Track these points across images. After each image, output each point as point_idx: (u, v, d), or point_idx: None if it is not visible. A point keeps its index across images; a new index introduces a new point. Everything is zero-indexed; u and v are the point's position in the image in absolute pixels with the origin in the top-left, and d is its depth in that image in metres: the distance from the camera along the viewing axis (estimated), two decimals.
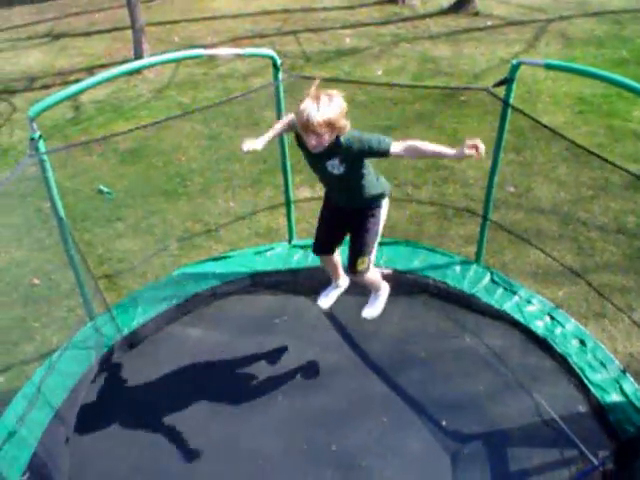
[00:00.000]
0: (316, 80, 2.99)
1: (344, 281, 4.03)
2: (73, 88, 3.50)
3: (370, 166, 3.30)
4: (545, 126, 4.14)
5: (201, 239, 5.55)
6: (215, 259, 5.09)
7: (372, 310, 3.83)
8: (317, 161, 3.21)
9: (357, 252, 3.47)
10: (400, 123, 7.41)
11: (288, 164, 4.74)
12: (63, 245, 4.05)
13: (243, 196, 6.32)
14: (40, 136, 3.50)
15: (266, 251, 5.13)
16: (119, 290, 5.01)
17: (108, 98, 8.65)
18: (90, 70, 9.53)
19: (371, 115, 7.56)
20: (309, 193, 6.11)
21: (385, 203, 3.49)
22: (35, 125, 3.44)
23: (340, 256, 3.90)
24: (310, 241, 5.11)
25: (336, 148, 3.06)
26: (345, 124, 3.00)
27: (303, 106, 2.88)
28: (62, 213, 3.87)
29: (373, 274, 3.71)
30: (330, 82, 3.53)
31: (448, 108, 7.68)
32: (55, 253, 5.11)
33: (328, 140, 2.99)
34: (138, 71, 8.95)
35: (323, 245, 3.81)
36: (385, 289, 3.86)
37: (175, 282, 4.83)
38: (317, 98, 2.87)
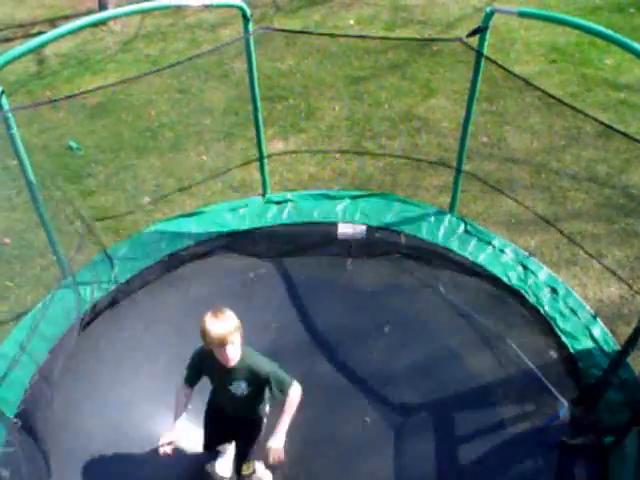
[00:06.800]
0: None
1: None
2: (36, 41, 3.38)
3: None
4: (518, 76, 4.13)
5: (174, 194, 5.48)
6: (189, 215, 5.04)
7: None
8: (224, 380, 3.20)
9: (243, 458, 3.49)
10: (373, 73, 7.31)
11: (260, 117, 4.67)
12: (33, 204, 3.98)
13: (216, 149, 6.24)
14: (3, 91, 3.40)
15: (240, 207, 5.08)
16: (91, 247, 4.95)
17: (73, 51, 8.39)
18: (52, 22, 9.19)
19: (344, 66, 7.45)
20: (282, 146, 6.04)
21: (266, 412, 3.49)
22: None
23: None
24: (284, 195, 5.13)
25: (245, 371, 3.12)
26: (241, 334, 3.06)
27: (211, 324, 2.94)
28: (30, 171, 3.79)
29: (260, 474, 3.65)
30: (302, 34, 3.45)
31: (421, 58, 7.59)
32: (25, 211, 5.02)
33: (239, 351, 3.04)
34: (103, 23, 8.66)
35: (213, 446, 3.77)
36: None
37: (149, 239, 4.79)
38: (216, 312, 2.98)
